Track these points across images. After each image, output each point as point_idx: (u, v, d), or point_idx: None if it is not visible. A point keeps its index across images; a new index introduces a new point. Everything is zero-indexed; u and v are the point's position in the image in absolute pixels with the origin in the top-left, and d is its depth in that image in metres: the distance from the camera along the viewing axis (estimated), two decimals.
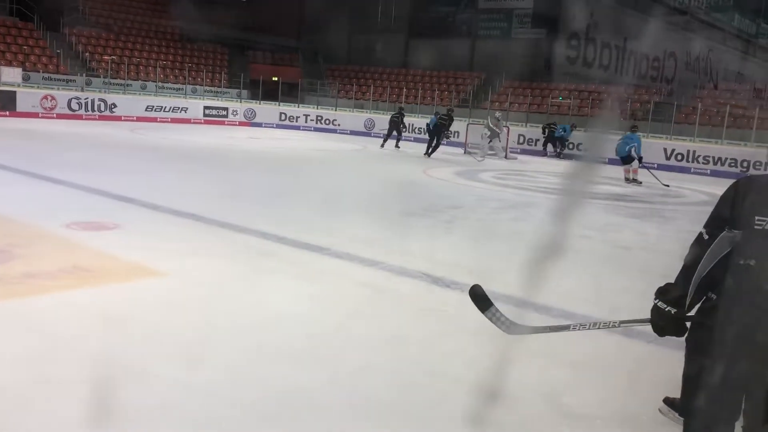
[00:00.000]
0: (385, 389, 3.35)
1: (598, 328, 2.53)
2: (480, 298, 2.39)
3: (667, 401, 3.04)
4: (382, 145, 20.45)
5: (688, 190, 14.73)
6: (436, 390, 3.38)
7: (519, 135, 23.02)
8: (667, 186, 14.50)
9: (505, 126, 21.27)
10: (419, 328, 4.36)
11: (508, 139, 21.11)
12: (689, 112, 22.96)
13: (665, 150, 20.56)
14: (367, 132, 26.44)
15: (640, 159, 14.78)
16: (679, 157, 20.38)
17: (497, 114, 21.06)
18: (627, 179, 14.86)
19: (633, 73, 30.80)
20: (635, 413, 3.24)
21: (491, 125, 19.55)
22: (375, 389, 3.34)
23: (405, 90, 29.14)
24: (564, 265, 6.45)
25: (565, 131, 22.22)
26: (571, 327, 2.47)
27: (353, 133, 26.51)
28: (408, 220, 8.41)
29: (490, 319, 2.37)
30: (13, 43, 25.86)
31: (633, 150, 14.55)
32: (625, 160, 14.84)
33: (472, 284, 2.39)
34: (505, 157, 20.34)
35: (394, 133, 20.32)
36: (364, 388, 3.34)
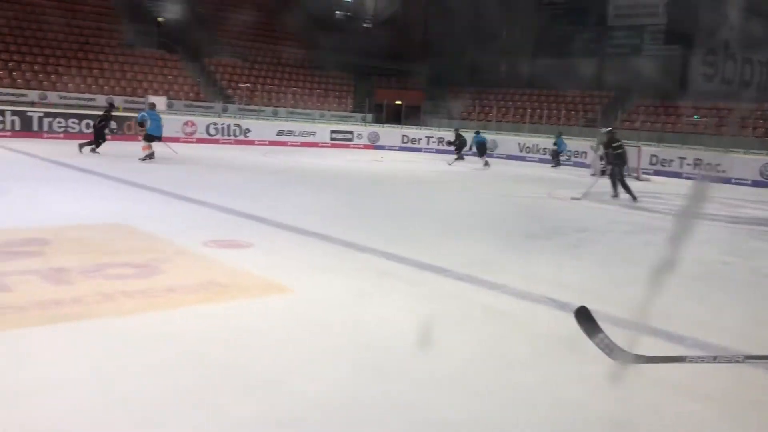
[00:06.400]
0: (501, 414, 3.27)
1: (719, 362, 2.26)
2: (587, 322, 2.22)
3: None
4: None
5: None
6: (556, 419, 3.26)
7: (651, 156, 21.94)
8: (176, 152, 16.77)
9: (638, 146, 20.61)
10: (543, 354, 4.22)
11: (639, 159, 20.22)
12: None
13: None
14: (490, 153, 26.13)
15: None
16: None
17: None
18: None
19: None
20: None
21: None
22: (495, 413, 3.27)
23: (529, 110, 28.66)
24: (699, 291, 6.06)
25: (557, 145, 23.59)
26: (687, 359, 2.26)
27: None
28: (532, 242, 8.23)
29: (598, 345, 2.23)
30: (159, 73, 28.06)
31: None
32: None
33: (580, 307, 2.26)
34: (638, 178, 19.49)
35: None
36: (485, 412, 3.27)
